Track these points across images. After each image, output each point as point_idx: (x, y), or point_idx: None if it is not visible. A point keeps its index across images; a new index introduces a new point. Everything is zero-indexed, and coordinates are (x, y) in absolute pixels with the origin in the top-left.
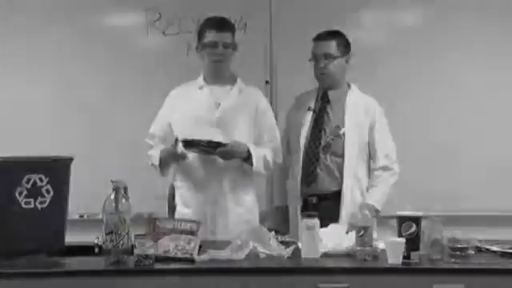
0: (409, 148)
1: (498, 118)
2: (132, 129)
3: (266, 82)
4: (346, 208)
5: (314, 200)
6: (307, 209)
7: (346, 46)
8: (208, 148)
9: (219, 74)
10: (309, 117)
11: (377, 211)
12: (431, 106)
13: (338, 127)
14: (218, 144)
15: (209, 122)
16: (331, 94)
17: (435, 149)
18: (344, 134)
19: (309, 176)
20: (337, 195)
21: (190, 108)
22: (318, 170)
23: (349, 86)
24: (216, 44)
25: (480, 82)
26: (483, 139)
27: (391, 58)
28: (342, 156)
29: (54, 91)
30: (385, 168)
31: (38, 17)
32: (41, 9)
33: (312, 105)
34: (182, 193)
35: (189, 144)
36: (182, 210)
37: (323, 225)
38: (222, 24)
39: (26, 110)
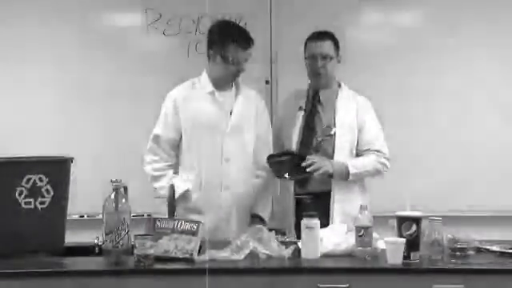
0: (409, 147)
1: (499, 118)
2: (132, 129)
3: (266, 82)
4: (336, 208)
5: (308, 200)
6: (300, 208)
7: (338, 46)
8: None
9: (230, 83)
10: (300, 117)
11: (347, 172)
12: (431, 105)
13: (329, 127)
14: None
15: (222, 129)
16: (322, 93)
17: (435, 149)
18: (334, 134)
19: None
20: (328, 195)
21: (203, 115)
22: None
23: (339, 85)
24: (240, 61)
25: (481, 82)
26: (483, 139)
27: (391, 58)
28: (332, 156)
29: (54, 91)
30: (374, 154)
31: (38, 17)
32: (41, 9)
33: (303, 104)
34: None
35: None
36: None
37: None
38: (248, 41)
39: (26, 110)
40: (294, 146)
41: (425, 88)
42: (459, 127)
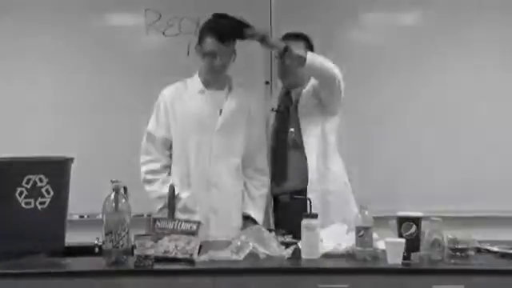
0: (408, 148)
1: (498, 119)
2: (132, 129)
3: (266, 82)
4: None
5: (287, 198)
6: (278, 207)
7: (310, 48)
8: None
9: (217, 81)
10: (272, 117)
11: (302, 56)
12: (429, 106)
13: (295, 128)
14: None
15: (212, 128)
16: (293, 92)
17: (435, 149)
18: (300, 131)
19: (278, 175)
20: (305, 194)
21: (193, 113)
22: (289, 169)
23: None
24: (215, 54)
25: (480, 83)
26: (483, 139)
27: (390, 59)
28: (304, 154)
29: (54, 91)
30: None
31: (37, 17)
32: (40, 9)
33: (275, 106)
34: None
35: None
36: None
37: (296, 224)
38: (223, 34)
39: (26, 110)
40: (268, 146)
41: (425, 88)
42: (459, 127)
